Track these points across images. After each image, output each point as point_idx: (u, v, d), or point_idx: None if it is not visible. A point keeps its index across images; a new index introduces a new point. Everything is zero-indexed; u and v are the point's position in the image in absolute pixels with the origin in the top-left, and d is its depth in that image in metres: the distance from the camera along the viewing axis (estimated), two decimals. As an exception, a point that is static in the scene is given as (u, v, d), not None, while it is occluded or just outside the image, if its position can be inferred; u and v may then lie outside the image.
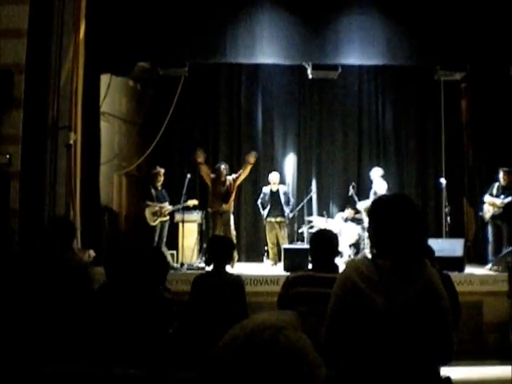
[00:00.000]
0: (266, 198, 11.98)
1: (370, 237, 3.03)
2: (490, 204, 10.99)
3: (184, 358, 3.46)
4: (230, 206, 11.48)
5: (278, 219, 11.93)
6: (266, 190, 12.08)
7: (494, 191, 11.02)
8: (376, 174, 12.16)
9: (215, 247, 5.78)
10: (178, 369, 3.40)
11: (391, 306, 2.74)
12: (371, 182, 12.31)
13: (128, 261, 3.83)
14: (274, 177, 12.10)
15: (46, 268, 3.97)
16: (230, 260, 5.79)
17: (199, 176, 12.54)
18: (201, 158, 11.57)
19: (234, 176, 11.66)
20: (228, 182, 11.45)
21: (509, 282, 7.16)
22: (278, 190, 11.98)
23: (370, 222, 3.07)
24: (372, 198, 11.75)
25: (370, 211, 3.08)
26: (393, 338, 2.74)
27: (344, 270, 2.99)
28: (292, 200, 12.27)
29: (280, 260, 11.34)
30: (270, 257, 12.01)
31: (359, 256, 11.19)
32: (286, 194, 12.08)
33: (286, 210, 11.84)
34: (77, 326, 3.54)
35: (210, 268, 5.74)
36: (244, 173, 11.77)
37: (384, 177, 12.30)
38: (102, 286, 4.08)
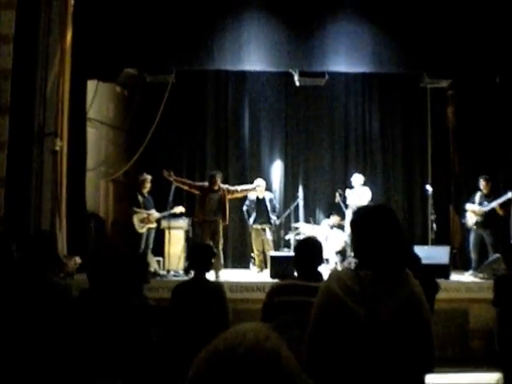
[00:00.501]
0: (252, 205, 11.93)
1: (352, 247, 3.04)
2: (471, 212, 11.05)
3: (165, 366, 3.44)
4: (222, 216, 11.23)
5: (264, 226, 11.90)
6: (252, 197, 12.00)
7: (477, 199, 11.09)
8: (357, 181, 12.14)
9: (195, 255, 5.78)
10: (158, 377, 3.40)
11: (373, 318, 2.74)
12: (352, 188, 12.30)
13: (110, 268, 3.80)
14: (260, 183, 12.00)
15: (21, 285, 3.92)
16: (209, 267, 5.75)
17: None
18: (171, 177, 11.33)
19: (228, 187, 11.50)
20: (221, 192, 11.21)
21: (494, 289, 7.17)
22: (264, 197, 11.95)
23: (352, 233, 3.08)
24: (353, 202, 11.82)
25: (352, 222, 3.09)
26: (375, 350, 2.74)
27: (326, 281, 2.99)
28: (278, 207, 12.26)
29: (266, 267, 11.35)
30: (256, 264, 11.97)
31: (345, 263, 11.20)
32: (271, 200, 12.05)
33: (272, 216, 11.83)
34: (54, 337, 3.51)
35: (189, 276, 5.71)
36: (242, 193, 11.72)
37: (368, 184, 12.34)
38: (83, 292, 4.05)
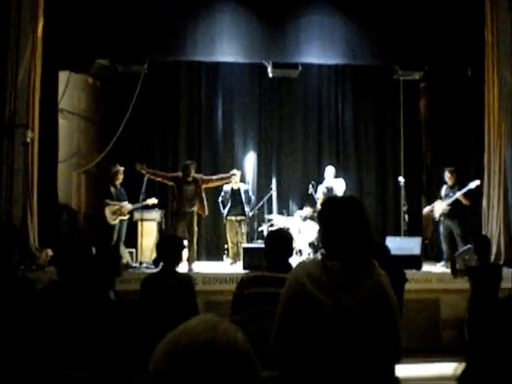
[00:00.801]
0: (227, 196, 11.93)
1: (320, 238, 3.05)
2: (438, 204, 11.21)
3: (132, 358, 3.42)
4: (197, 207, 11.13)
5: (239, 218, 11.89)
6: (226, 188, 11.99)
7: (443, 192, 11.22)
8: (329, 173, 12.12)
9: (163, 247, 5.75)
10: (124, 370, 3.38)
11: (340, 308, 2.76)
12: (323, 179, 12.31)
13: (78, 259, 3.77)
14: (235, 174, 12.00)
15: None
16: (178, 260, 5.73)
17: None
18: (144, 169, 11.24)
19: (203, 177, 11.44)
20: (196, 182, 11.09)
21: (469, 279, 7.27)
22: (238, 189, 11.94)
23: (320, 224, 3.09)
24: (322, 195, 11.84)
25: (320, 213, 3.10)
26: (341, 339, 2.76)
27: (293, 272, 3.00)
28: (253, 198, 12.27)
29: (240, 259, 11.36)
30: (229, 255, 11.97)
31: (318, 254, 11.23)
32: (246, 192, 12.06)
33: (247, 208, 11.83)
34: (18, 331, 3.47)
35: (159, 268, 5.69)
36: (218, 182, 11.67)
37: (340, 175, 12.37)
38: (51, 283, 4.01)
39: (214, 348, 1.30)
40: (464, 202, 10.84)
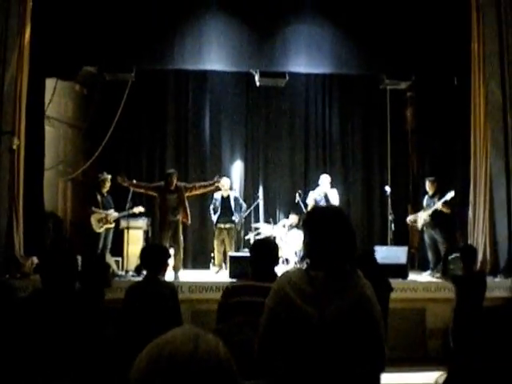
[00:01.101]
0: (217, 203, 11.94)
1: (304, 247, 3.05)
2: (415, 220, 11.31)
3: (115, 366, 3.40)
4: (181, 215, 11.06)
5: (228, 225, 11.89)
6: (217, 195, 12.00)
7: (425, 202, 11.30)
8: (326, 181, 12.06)
9: (147, 255, 5.74)
10: (108, 377, 3.36)
11: (324, 318, 2.76)
12: (315, 186, 12.27)
13: (63, 268, 3.75)
14: (224, 182, 12.00)
15: None
16: (162, 268, 5.71)
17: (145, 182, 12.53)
18: (125, 182, 11.16)
19: (186, 185, 11.34)
20: (179, 191, 11.01)
21: (454, 288, 7.30)
22: (228, 196, 11.97)
23: (304, 234, 3.09)
24: (312, 202, 11.81)
25: (305, 222, 3.09)
26: (326, 349, 2.76)
27: (277, 281, 2.99)
28: (244, 205, 12.27)
29: (226, 267, 11.35)
30: (215, 263, 11.94)
31: (304, 263, 11.21)
32: (236, 199, 12.09)
33: (236, 216, 11.82)
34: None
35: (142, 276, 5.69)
36: (201, 190, 11.51)
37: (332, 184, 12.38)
38: (35, 292, 3.99)
39: (197, 359, 1.30)
40: (444, 210, 10.94)
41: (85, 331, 3.58)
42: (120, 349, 3.90)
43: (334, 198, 11.75)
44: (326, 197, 11.76)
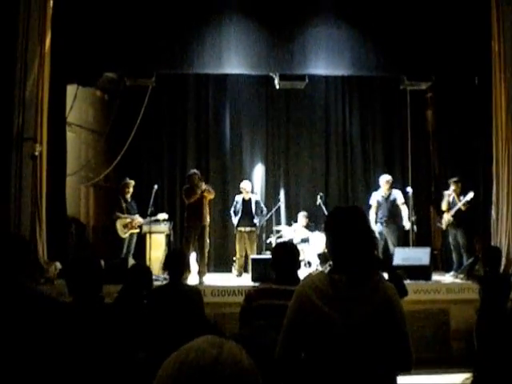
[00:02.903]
0: (238, 206, 11.92)
1: (327, 250, 3.04)
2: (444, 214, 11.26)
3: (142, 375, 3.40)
4: (205, 220, 11.01)
5: (248, 229, 11.81)
6: (238, 198, 11.99)
7: (451, 202, 11.24)
8: (385, 180, 11.94)
9: (169, 260, 5.78)
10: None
11: (347, 322, 2.75)
12: (376, 188, 12.26)
13: (88, 273, 3.75)
14: (245, 185, 11.99)
15: None
16: (184, 272, 5.73)
17: (167, 186, 12.57)
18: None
19: (207, 187, 11.09)
20: (200, 192, 10.89)
21: (479, 289, 7.25)
22: (250, 199, 11.93)
23: (326, 236, 3.08)
24: (375, 206, 11.82)
25: (326, 225, 3.09)
26: (349, 353, 2.75)
27: (300, 285, 2.99)
28: (265, 209, 12.21)
29: (246, 271, 11.37)
30: (236, 267, 11.92)
31: (327, 265, 11.18)
32: (258, 203, 12.02)
33: (258, 219, 11.82)
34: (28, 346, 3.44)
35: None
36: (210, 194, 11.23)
37: (349, 186, 12.35)
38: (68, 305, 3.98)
39: (220, 366, 1.31)
40: (463, 209, 11.03)
41: (117, 345, 3.58)
42: (149, 356, 3.90)
43: (399, 198, 11.77)
44: (388, 197, 11.73)
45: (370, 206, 11.78)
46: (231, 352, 1.35)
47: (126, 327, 3.82)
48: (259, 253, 11.94)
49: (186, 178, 11.35)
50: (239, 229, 11.90)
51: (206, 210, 11.05)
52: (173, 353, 1.37)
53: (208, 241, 11.22)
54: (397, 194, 11.83)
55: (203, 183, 11.03)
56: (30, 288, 3.95)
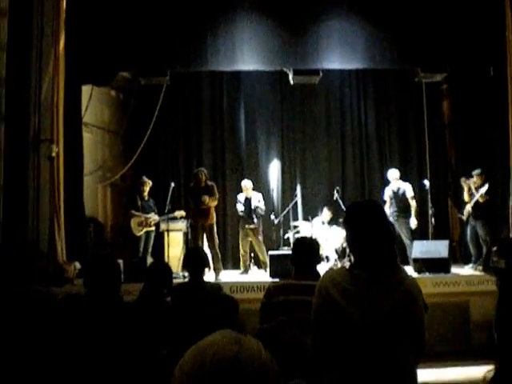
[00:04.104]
0: (240, 205, 11.90)
1: (348, 245, 3.05)
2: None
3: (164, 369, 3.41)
4: (212, 219, 11.22)
5: (252, 226, 11.76)
6: (240, 197, 11.95)
7: (473, 190, 11.20)
8: (393, 175, 11.98)
9: (189, 258, 5.80)
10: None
11: (367, 319, 2.75)
12: (386, 183, 12.27)
13: (106, 272, 3.76)
14: (245, 184, 11.96)
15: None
16: (204, 269, 5.73)
17: (183, 184, 12.59)
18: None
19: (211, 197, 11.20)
20: (209, 188, 11.19)
21: (498, 284, 7.19)
22: (251, 198, 11.89)
23: (346, 232, 3.08)
24: (388, 201, 11.81)
25: (345, 220, 3.09)
26: (369, 348, 2.75)
27: (320, 281, 3.00)
28: (263, 208, 11.93)
29: (249, 268, 11.62)
30: (240, 264, 11.89)
31: (345, 260, 11.16)
32: (258, 201, 11.91)
33: (256, 219, 11.77)
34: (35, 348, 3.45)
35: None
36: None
37: (366, 180, 12.30)
38: (70, 297, 4.01)
39: (240, 362, 1.31)
40: (481, 200, 10.95)
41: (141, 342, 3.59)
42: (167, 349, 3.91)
43: (408, 191, 11.72)
44: (397, 191, 11.73)
45: (384, 202, 11.74)
46: (251, 348, 1.35)
47: (147, 325, 3.84)
48: (277, 248, 11.90)
49: (193, 175, 11.47)
50: (242, 226, 11.91)
51: (212, 208, 11.21)
52: (190, 348, 1.38)
53: (217, 240, 11.32)
54: (406, 187, 11.81)
55: (209, 182, 11.37)
56: (41, 291, 3.96)
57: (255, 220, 11.78)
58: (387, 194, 11.91)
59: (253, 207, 11.76)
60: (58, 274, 9.52)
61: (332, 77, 13.26)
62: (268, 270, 10.67)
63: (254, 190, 12.03)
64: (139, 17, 10.68)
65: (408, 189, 11.74)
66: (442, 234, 11.81)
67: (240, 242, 11.97)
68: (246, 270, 11.70)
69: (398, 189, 11.75)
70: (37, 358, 3.36)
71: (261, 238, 11.88)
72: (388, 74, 13.32)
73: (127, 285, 7.45)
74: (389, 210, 11.59)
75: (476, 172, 11.21)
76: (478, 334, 9.30)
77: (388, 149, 14.20)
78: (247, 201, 11.87)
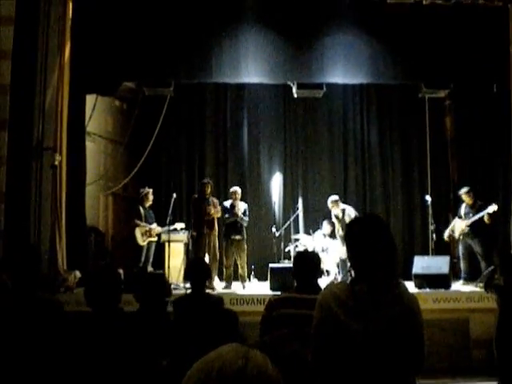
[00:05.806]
0: (227, 212, 11.37)
1: (348, 260, 3.05)
2: (458, 224, 11.17)
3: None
4: (214, 229, 11.11)
5: (238, 237, 11.26)
6: (226, 204, 11.47)
7: (463, 211, 11.16)
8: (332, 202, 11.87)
9: (190, 270, 5.77)
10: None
11: (367, 333, 2.75)
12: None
13: (106, 282, 3.76)
14: (236, 189, 11.58)
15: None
16: (205, 281, 5.69)
17: (185, 195, 12.60)
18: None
19: (215, 200, 11.25)
20: (211, 202, 11.09)
21: (498, 301, 7.16)
22: (237, 206, 11.41)
23: (347, 247, 3.08)
24: (336, 222, 11.78)
25: (346, 235, 3.09)
26: (368, 362, 2.75)
27: (321, 295, 3.00)
28: (246, 219, 11.41)
29: (230, 282, 11.09)
30: (224, 277, 11.29)
31: (347, 274, 11.12)
32: (244, 212, 11.44)
33: (239, 226, 11.32)
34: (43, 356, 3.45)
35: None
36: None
37: (367, 194, 12.32)
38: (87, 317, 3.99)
39: (246, 375, 1.31)
40: (487, 221, 10.79)
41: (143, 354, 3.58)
42: (174, 365, 3.90)
43: (351, 213, 11.54)
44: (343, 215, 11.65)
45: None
46: (257, 361, 1.35)
47: (147, 336, 3.83)
48: (277, 261, 11.83)
49: (199, 186, 11.43)
50: (228, 237, 11.35)
51: (216, 220, 11.17)
52: (196, 361, 1.38)
53: (218, 252, 11.18)
54: (350, 210, 11.76)
55: (212, 198, 11.27)
56: (47, 299, 3.96)
57: (242, 231, 11.34)
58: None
59: (238, 218, 11.28)
60: (59, 283, 9.52)
61: (335, 91, 13.27)
62: (268, 282, 10.57)
63: (246, 201, 11.97)
64: (144, 27, 10.72)
65: (352, 211, 11.71)
66: (442, 250, 11.79)
67: (224, 254, 11.33)
68: (229, 285, 11.11)
69: (343, 210, 11.72)
70: (42, 365, 3.36)
71: (245, 251, 11.40)
72: (391, 89, 13.33)
73: (128, 295, 7.44)
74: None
75: (464, 190, 11.17)
76: (477, 350, 9.27)
77: (390, 164, 14.19)
78: (233, 208, 11.33)
